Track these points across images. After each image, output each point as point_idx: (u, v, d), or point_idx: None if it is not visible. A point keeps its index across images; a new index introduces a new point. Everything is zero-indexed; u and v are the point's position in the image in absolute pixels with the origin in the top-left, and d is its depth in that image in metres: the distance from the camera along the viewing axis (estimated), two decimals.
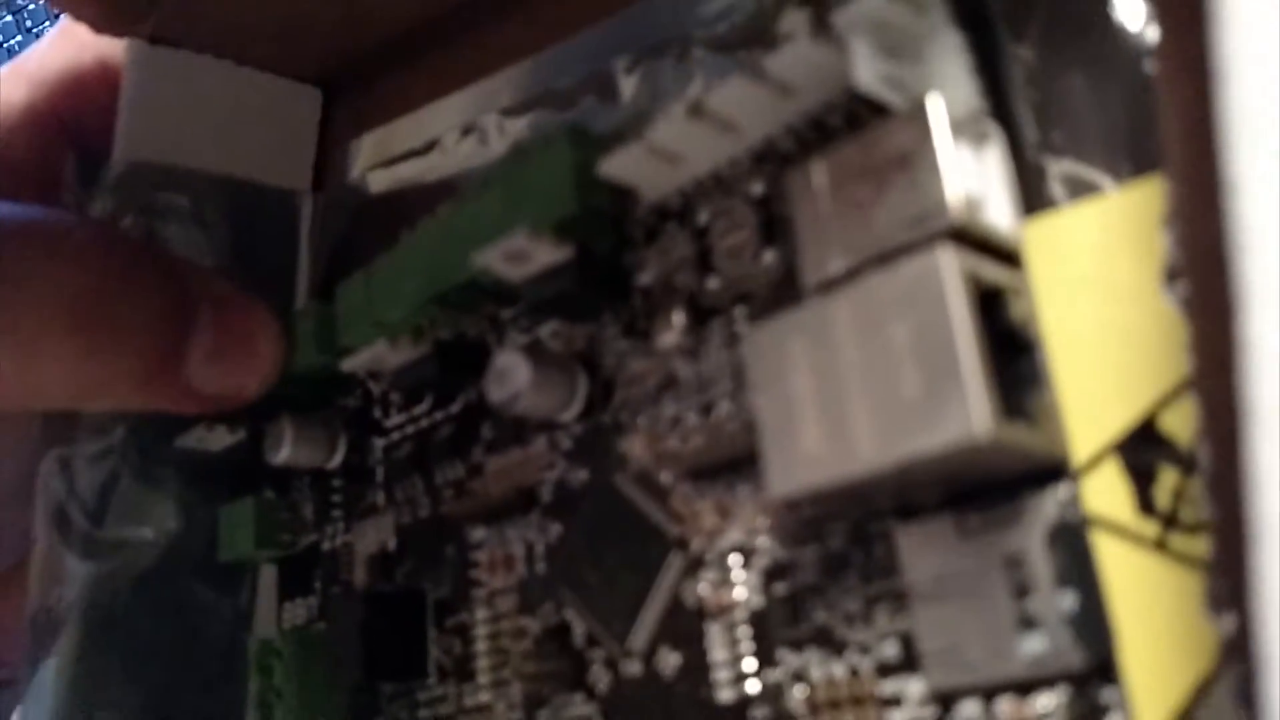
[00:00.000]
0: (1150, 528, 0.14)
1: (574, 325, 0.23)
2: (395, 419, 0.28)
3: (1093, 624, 0.14)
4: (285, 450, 0.29)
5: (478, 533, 0.25)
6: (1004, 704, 0.15)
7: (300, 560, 0.31)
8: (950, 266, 0.15)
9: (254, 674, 0.27)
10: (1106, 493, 0.14)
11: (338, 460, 0.30)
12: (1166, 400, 0.14)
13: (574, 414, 0.23)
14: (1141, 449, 0.14)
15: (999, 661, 0.15)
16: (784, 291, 0.20)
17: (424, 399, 0.27)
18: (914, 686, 0.16)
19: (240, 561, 0.30)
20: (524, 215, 0.22)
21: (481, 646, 0.24)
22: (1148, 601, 0.14)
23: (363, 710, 0.27)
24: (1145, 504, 0.14)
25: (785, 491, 0.16)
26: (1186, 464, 0.14)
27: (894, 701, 0.17)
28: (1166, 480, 0.14)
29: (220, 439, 0.30)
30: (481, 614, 0.25)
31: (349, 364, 0.26)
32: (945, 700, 0.16)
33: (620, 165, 0.20)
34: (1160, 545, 0.14)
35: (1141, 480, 0.14)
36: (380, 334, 0.26)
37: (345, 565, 0.29)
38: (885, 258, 0.16)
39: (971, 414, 0.14)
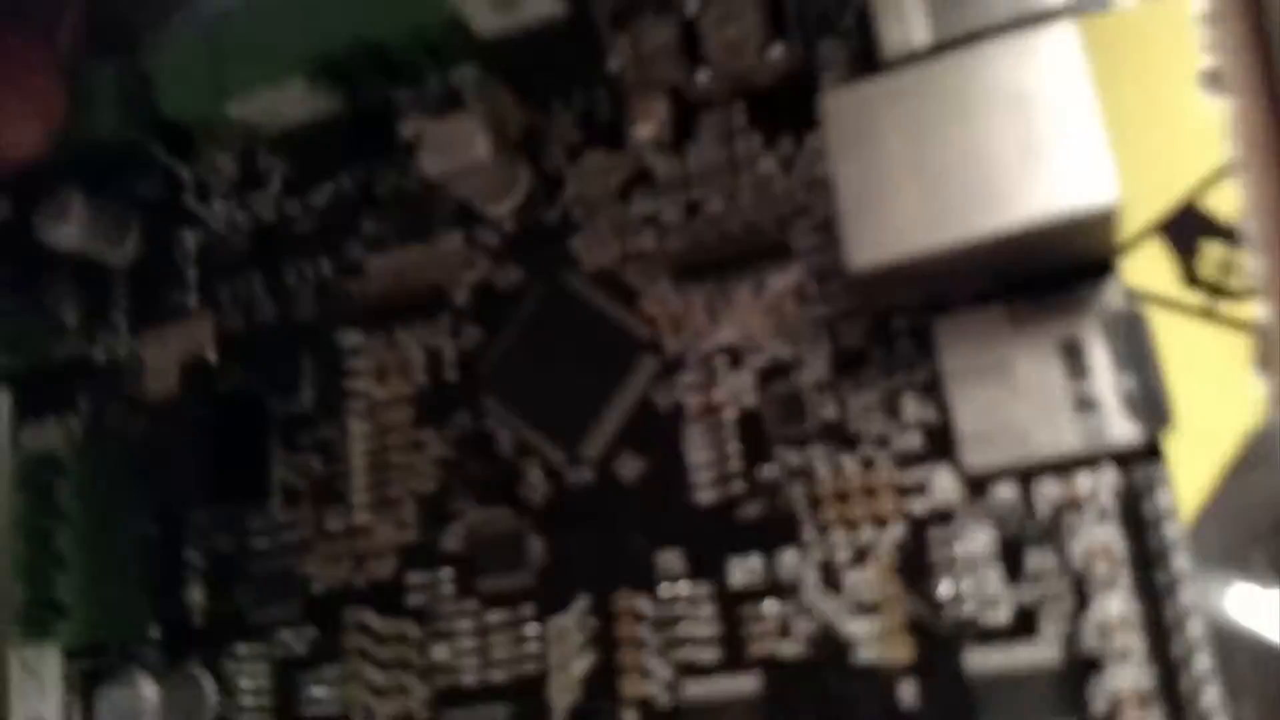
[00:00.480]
0: (1196, 298, 0.16)
1: (520, 106, 0.20)
2: (218, 208, 0.24)
3: (1148, 402, 0.15)
4: (70, 228, 0.23)
5: (352, 338, 0.22)
6: (1047, 484, 0.16)
7: (49, 374, 0.24)
8: (1075, 42, 0.15)
9: (18, 494, 0.21)
10: (1152, 269, 0.16)
11: (126, 255, 0.24)
12: (1208, 183, 0.16)
13: (508, 208, 0.21)
14: (1184, 227, 0.16)
15: (1048, 442, 0.16)
16: (801, 84, 0.19)
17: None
18: (942, 474, 0.17)
19: None
20: None
21: (358, 463, 0.21)
22: (1197, 367, 0.15)
23: (167, 538, 0.22)
24: (1190, 277, 0.16)
25: (869, 262, 0.15)
26: (1231, 237, 0.16)
27: (916, 489, 0.17)
28: (1211, 254, 0.16)
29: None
30: (359, 428, 0.21)
31: (237, 110, 0.21)
32: (979, 483, 0.16)
33: None
34: (1208, 314, 0.15)
35: (1185, 256, 0.16)
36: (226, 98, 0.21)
37: (132, 378, 0.24)
38: (984, 33, 0.16)
39: (1100, 183, 0.14)
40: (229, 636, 0.21)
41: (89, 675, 0.22)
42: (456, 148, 0.19)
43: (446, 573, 0.20)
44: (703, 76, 0.20)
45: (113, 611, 0.21)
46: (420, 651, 0.20)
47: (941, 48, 0.16)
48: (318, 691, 0.20)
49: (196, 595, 0.22)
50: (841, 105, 0.16)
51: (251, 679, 0.21)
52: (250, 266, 0.23)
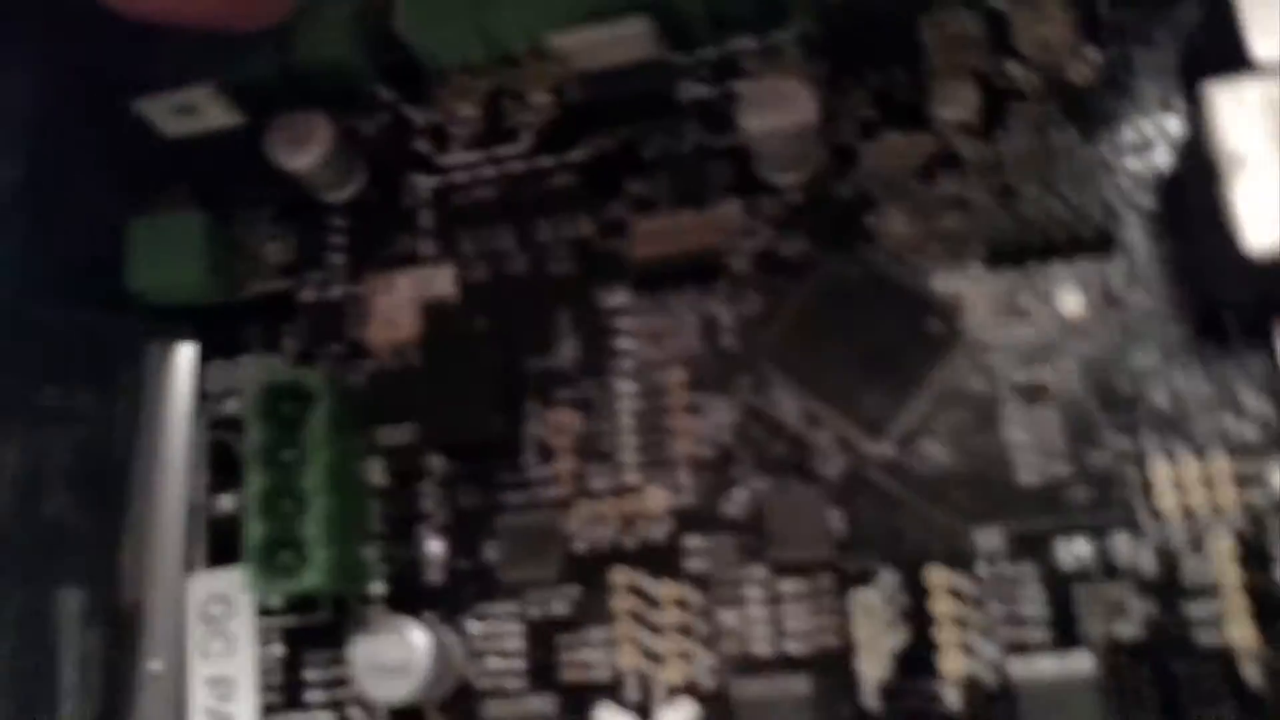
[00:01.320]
0: None
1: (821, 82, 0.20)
2: (458, 156, 0.23)
3: None
4: (318, 150, 0.21)
5: (617, 297, 0.21)
6: None
7: (246, 309, 0.23)
8: None
9: (259, 422, 0.20)
10: None
11: (348, 193, 0.23)
12: None
13: (797, 179, 0.21)
14: None
15: None
16: (1111, 94, 0.19)
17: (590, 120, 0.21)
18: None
19: (159, 294, 0.22)
20: None
21: (626, 423, 0.20)
22: None
23: (402, 489, 0.21)
24: None
25: (1266, 247, 0.16)
26: None
27: (1255, 480, 0.17)
28: None
29: (212, 115, 0.21)
30: (627, 388, 0.20)
31: (558, 40, 0.20)
32: None
33: None
34: None
35: None
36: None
37: (355, 321, 0.22)
38: None
39: None
40: (474, 594, 0.20)
41: (294, 632, 0.21)
42: (784, 107, 0.19)
43: (729, 539, 0.19)
44: (1012, 68, 0.20)
45: (346, 560, 0.20)
46: (705, 618, 0.19)
47: None
48: (584, 655, 0.19)
49: (435, 549, 0.20)
50: (1225, 99, 0.17)
51: (502, 639, 0.20)
52: (497, 219, 0.22)
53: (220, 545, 0.21)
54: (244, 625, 0.21)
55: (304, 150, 0.21)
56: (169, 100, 0.21)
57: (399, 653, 0.18)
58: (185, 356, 0.23)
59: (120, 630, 0.22)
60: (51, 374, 0.22)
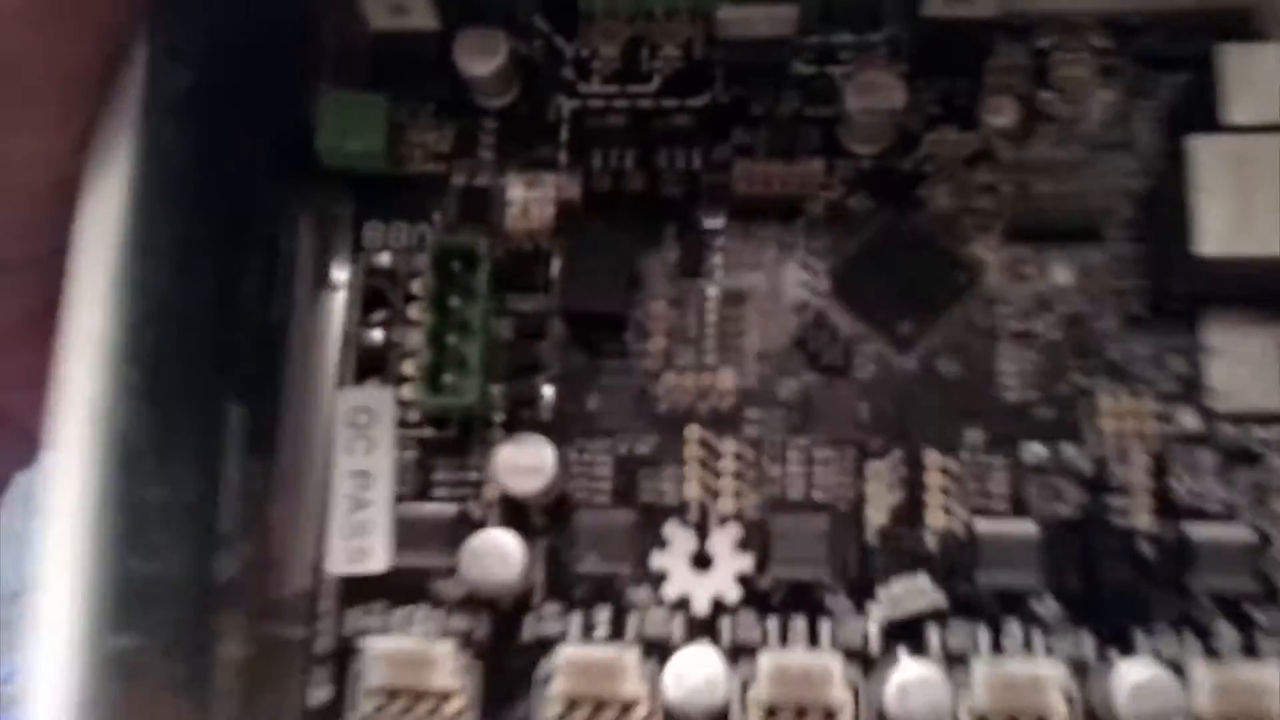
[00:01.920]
0: None
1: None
2: (597, 87, 0.28)
3: None
4: (496, 62, 0.26)
5: (714, 221, 0.26)
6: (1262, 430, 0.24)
7: (393, 186, 0.28)
8: None
9: (433, 273, 0.25)
10: None
11: (504, 101, 0.28)
12: None
13: (873, 150, 0.26)
14: None
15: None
16: (1115, 128, 0.26)
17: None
18: (1187, 411, 0.24)
19: (338, 160, 0.26)
20: None
21: (710, 318, 0.26)
22: None
23: (524, 342, 0.26)
24: None
25: (1215, 253, 0.22)
26: None
27: (1166, 418, 0.24)
28: None
29: (416, 17, 0.26)
30: (713, 290, 0.26)
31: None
32: (1220, 419, 0.24)
33: None
34: None
35: None
36: None
37: (497, 209, 0.27)
38: None
39: None
40: (577, 431, 0.25)
41: (427, 443, 0.26)
42: (881, 93, 0.25)
43: (781, 414, 0.25)
44: (1045, 94, 0.26)
45: (487, 390, 0.25)
46: (755, 469, 0.25)
47: None
48: (660, 485, 0.25)
49: (548, 393, 0.26)
50: (1202, 148, 0.23)
51: (594, 467, 0.25)
52: (624, 143, 0.27)
53: (366, 368, 0.27)
54: (384, 431, 0.26)
55: (485, 60, 0.26)
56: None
57: (534, 458, 0.24)
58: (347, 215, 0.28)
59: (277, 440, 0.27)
60: (243, 229, 0.27)
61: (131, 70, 0.23)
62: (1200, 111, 0.24)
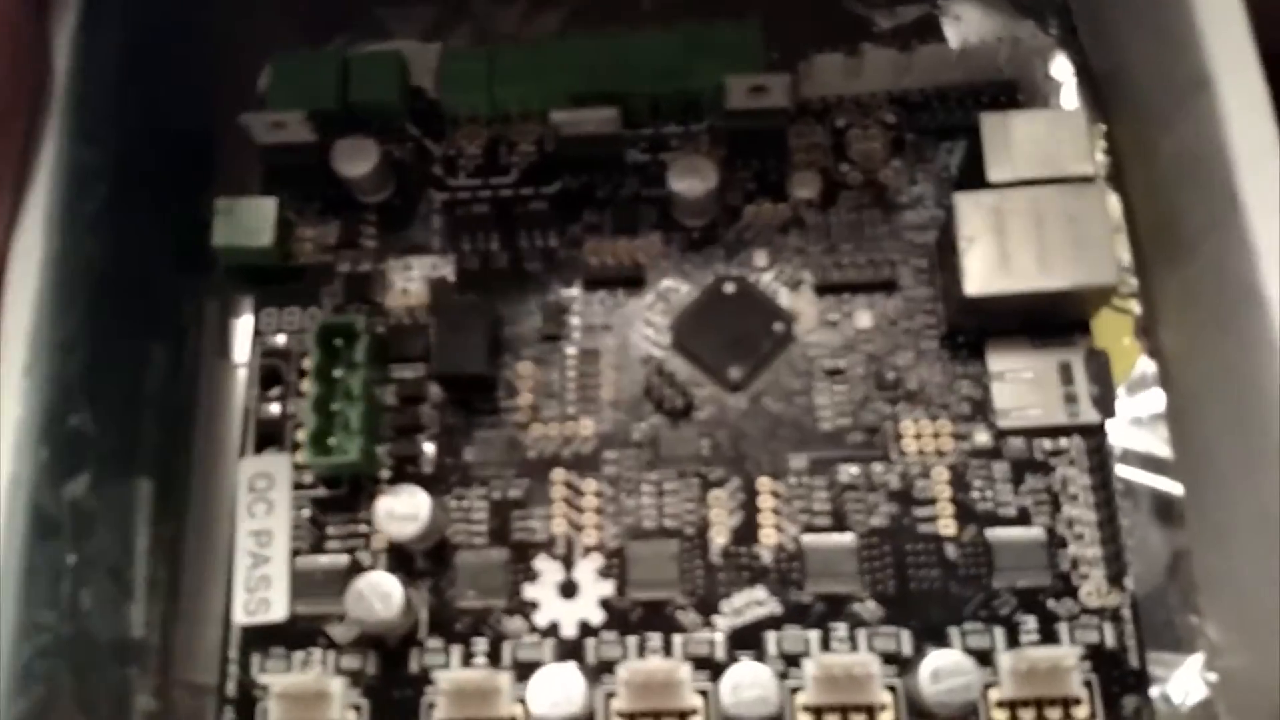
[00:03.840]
0: None
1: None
2: (463, 180, 0.31)
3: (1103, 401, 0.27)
4: (366, 166, 0.29)
5: (570, 291, 0.30)
6: (1043, 441, 0.27)
7: (286, 276, 0.30)
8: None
9: (317, 348, 0.27)
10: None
11: (383, 196, 0.31)
12: None
13: (702, 222, 0.30)
14: None
15: (1044, 416, 0.27)
16: (906, 188, 0.29)
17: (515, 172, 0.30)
18: (980, 429, 0.27)
19: (234, 257, 0.29)
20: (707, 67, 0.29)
21: (571, 374, 0.29)
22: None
23: (405, 405, 0.29)
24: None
25: (978, 292, 0.26)
26: None
27: (965, 437, 0.27)
28: None
29: (294, 131, 0.29)
30: (573, 351, 0.29)
31: (552, 114, 0.29)
32: (1003, 435, 0.27)
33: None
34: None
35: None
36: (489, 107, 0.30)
37: (379, 288, 0.30)
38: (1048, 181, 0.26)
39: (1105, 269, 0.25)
40: (455, 481, 0.28)
41: (320, 502, 0.28)
42: (698, 174, 0.28)
43: (634, 453, 0.28)
44: (844, 168, 0.30)
45: (368, 449, 0.28)
46: (613, 503, 0.28)
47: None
48: (530, 524, 0.27)
49: (429, 449, 0.28)
50: (966, 203, 0.27)
51: (472, 512, 0.28)
52: (489, 228, 0.30)
53: (265, 438, 0.29)
54: (281, 494, 0.28)
55: (359, 164, 0.30)
56: (268, 117, 0.29)
57: (410, 506, 0.26)
58: (245, 305, 0.31)
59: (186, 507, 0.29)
60: (148, 321, 0.29)
61: (47, 177, 0.26)
62: (973, 172, 0.28)
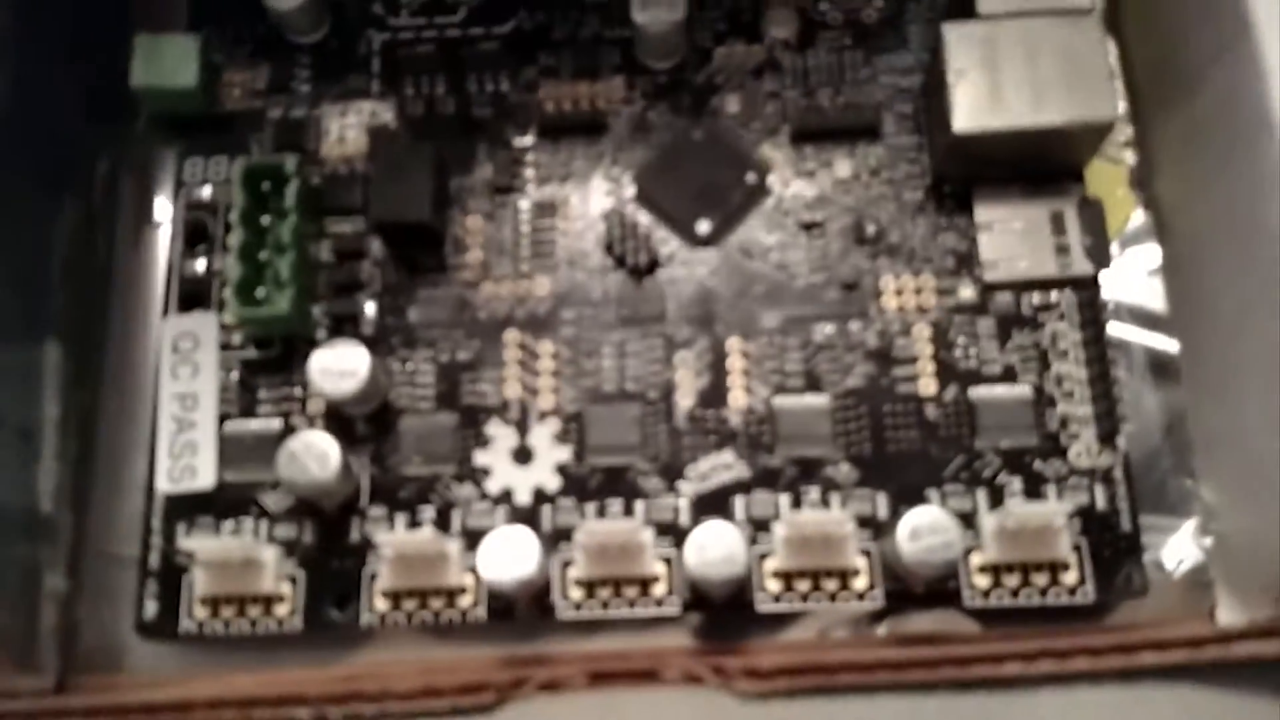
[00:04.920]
0: None
1: None
2: (405, 20, 0.28)
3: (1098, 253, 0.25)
4: (293, 2, 0.26)
5: (525, 140, 0.27)
6: (1033, 295, 0.25)
7: (221, 120, 0.28)
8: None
9: (242, 191, 0.25)
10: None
11: (317, 36, 0.28)
12: None
13: (667, 65, 0.27)
14: None
15: (1035, 268, 0.25)
16: (889, 28, 0.27)
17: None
18: (966, 283, 0.25)
19: (156, 102, 0.26)
20: None
21: (524, 230, 0.26)
22: None
23: (343, 260, 0.26)
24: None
25: (967, 129, 0.24)
26: None
27: (949, 292, 0.25)
28: None
29: None
30: (526, 204, 0.27)
31: None
32: (990, 289, 0.25)
33: None
34: None
35: None
36: None
37: (314, 136, 0.27)
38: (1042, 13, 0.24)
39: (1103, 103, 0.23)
40: (399, 343, 0.26)
41: (250, 364, 0.26)
42: (664, 5, 0.26)
43: (592, 312, 0.26)
44: (823, 6, 0.28)
45: (300, 306, 0.25)
46: (571, 366, 0.25)
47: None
48: (481, 388, 0.25)
49: (370, 308, 0.26)
50: (955, 34, 0.24)
51: (418, 375, 0.26)
52: (434, 70, 0.28)
53: (190, 298, 0.27)
54: (208, 355, 0.26)
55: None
56: None
57: (348, 361, 0.24)
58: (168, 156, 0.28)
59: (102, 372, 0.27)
60: (58, 172, 0.26)
61: None
62: (961, 4, 0.25)
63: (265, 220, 0.25)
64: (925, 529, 0.22)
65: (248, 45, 0.28)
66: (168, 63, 0.27)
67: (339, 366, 0.24)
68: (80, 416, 0.26)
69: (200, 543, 0.24)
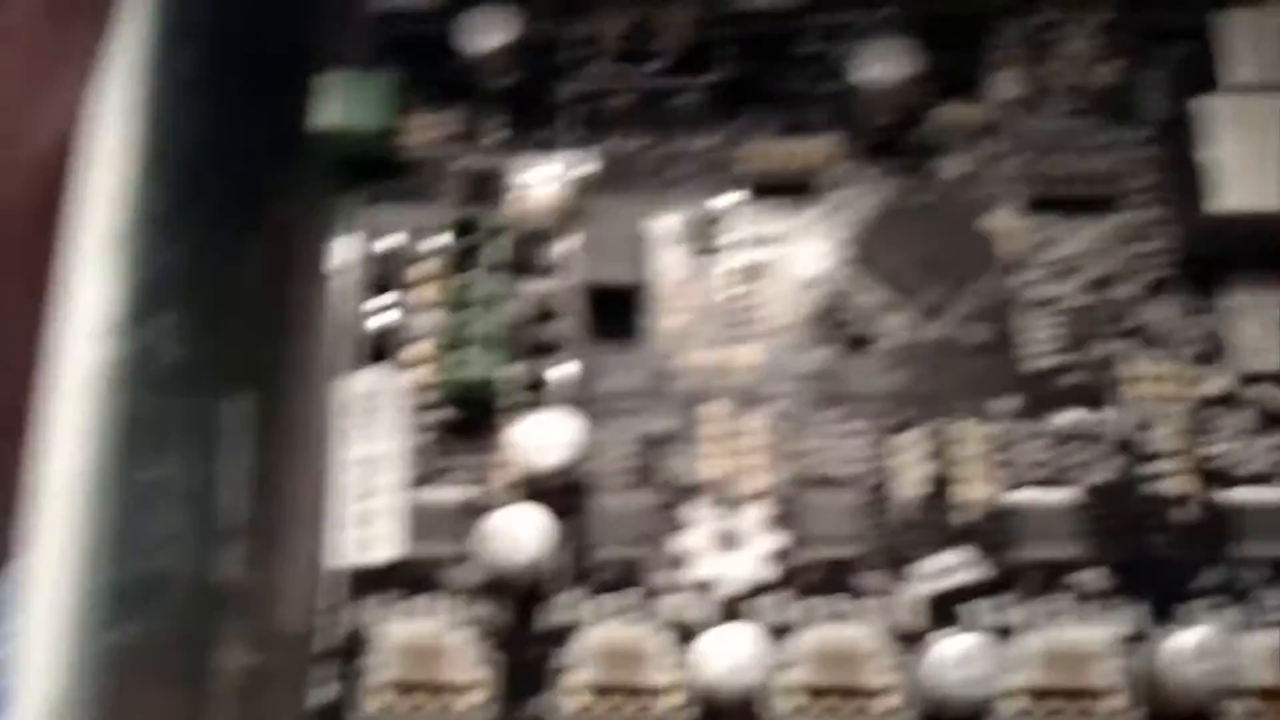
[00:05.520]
0: None
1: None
2: (603, 67, 0.27)
3: None
4: (502, 38, 0.25)
5: (727, 198, 0.25)
6: None
7: (394, 169, 0.26)
8: None
9: (450, 252, 0.23)
10: None
11: (509, 82, 0.27)
12: None
13: (885, 123, 0.25)
14: None
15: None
16: (1121, 97, 0.25)
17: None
18: (1214, 375, 0.23)
19: (341, 146, 0.25)
20: None
21: (728, 293, 0.25)
22: None
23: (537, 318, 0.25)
24: None
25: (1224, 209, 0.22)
26: None
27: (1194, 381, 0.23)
28: None
29: None
30: (728, 267, 0.25)
31: None
32: (1250, 380, 0.23)
33: None
34: None
35: None
36: None
37: (503, 187, 0.26)
38: None
39: None
40: (592, 412, 0.24)
41: (437, 426, 0.24)
42: (887, 67, 0.24)
43: (803, 387, 0.24)
44: (1053, 66, 0.26)
45: (498, 367, 0.24)
46: (780, 445, 0.24)
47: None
48: (681, 464, 0.24)
49: (561, 372, 0.24)
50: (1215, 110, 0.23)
51: (615, 447, 0.24)
52: (632, 122, 0.26)
53: (371, 353, 0.25)
54: (392, 416, 0.24)
55: (492, 36, 0.25)
56: None
57: (556, 433, 0.22)
58: (351, 200, 0.27)
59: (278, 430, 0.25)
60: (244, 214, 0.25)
61: (137, 46, 0.22)
62: (1209, 75, 0.24)
63: (468, 277, 0.24)
64: (1206, 649, 0.20)
65: (434, 88, 0.27)
66: (354, 104, 0.25)
67: (546, 437, 0.22)
68: (259, 478, 0.24)
69: (385, 621, 0.22)
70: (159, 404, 0.21)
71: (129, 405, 0.20)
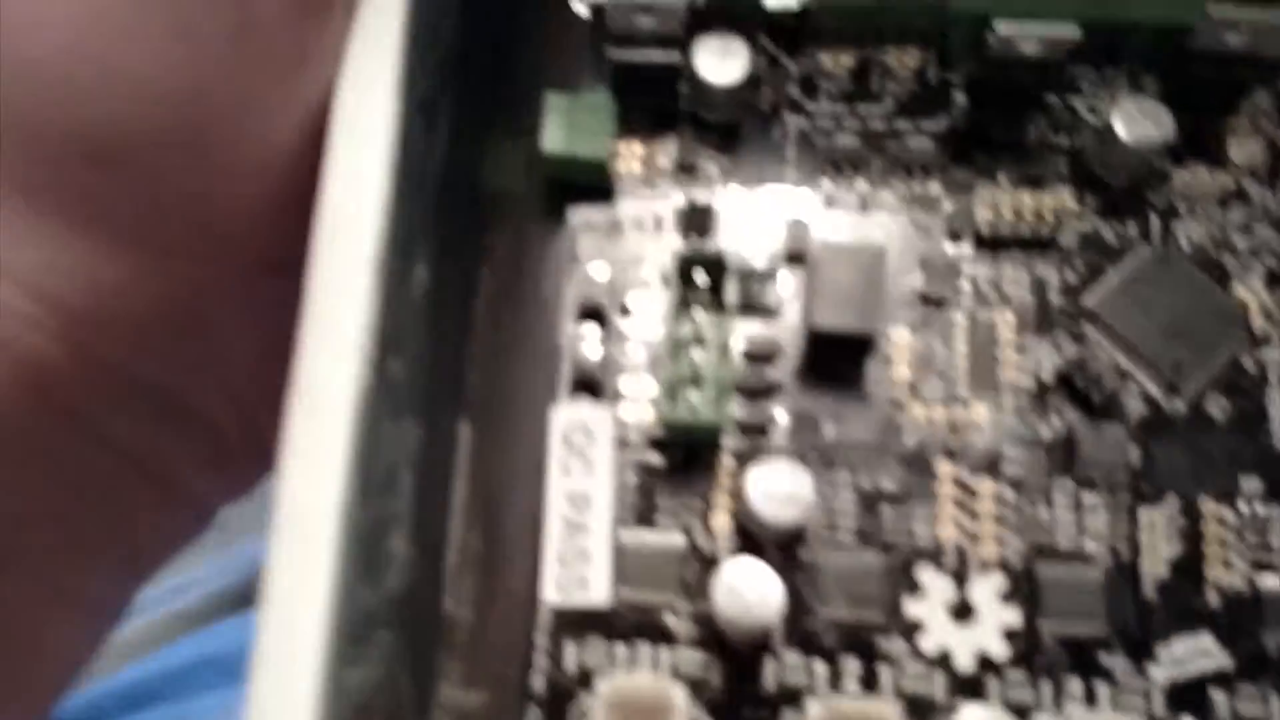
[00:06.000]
0: None
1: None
2: (825, 105, 0.26)
3: None
4: (733, 67, 0.24)
5: (959, 249, 0.25)
6: None
7: (605, 195, 0.25)
8: None
9: (676, 284, 0.22)
10: None
11: (729, 116, 0.26)
12: None
13: (1125, 182, 0.25)
14: None
15: None
16: None
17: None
18: None
19: (561, 170, 0.24)
20: None
21: (960, 348, 0.24)
22: None
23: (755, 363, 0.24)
24: None
25: None
26: None
27: None
28: None
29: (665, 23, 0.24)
30: (960, 320, 0.24)
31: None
32: None
33: None
34: None
35: None
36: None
37: (721, 224, 0.25)
38: None
39: None
40: (813, 463, 0.23)
41: (649, 467, 0.23)
42: (1149, 121, 0.23)
43: (1041, 454, 0.23)
44: None
45: (726, 409, 0.23)
46: (1017, 512, 0.23)
47: None
48: (911, 526, 0.23)
49: (782, 419, 0.23)
50: None
51: (839, 502, 0.23)
52: (856, 163, 0.25)
53: (580, 385, 0.24)
54: (603, 452, 0.23)
55: (728, 67, 0.24)
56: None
57: (793, 486, 0.21)
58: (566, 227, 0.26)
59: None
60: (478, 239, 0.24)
61: (386, 57, 0.21)
62: None
63: (695, 315, 0.23)
64: None
65: (652, 115, 0.26)
66: (578, 129, 0.25)
67: (782, 490, 0.21)
68: (478, 511, 0.23)
69: (594, 668, 0.21)
70: (397, 433, 0.20)
71: (372, 433, 0.19)
